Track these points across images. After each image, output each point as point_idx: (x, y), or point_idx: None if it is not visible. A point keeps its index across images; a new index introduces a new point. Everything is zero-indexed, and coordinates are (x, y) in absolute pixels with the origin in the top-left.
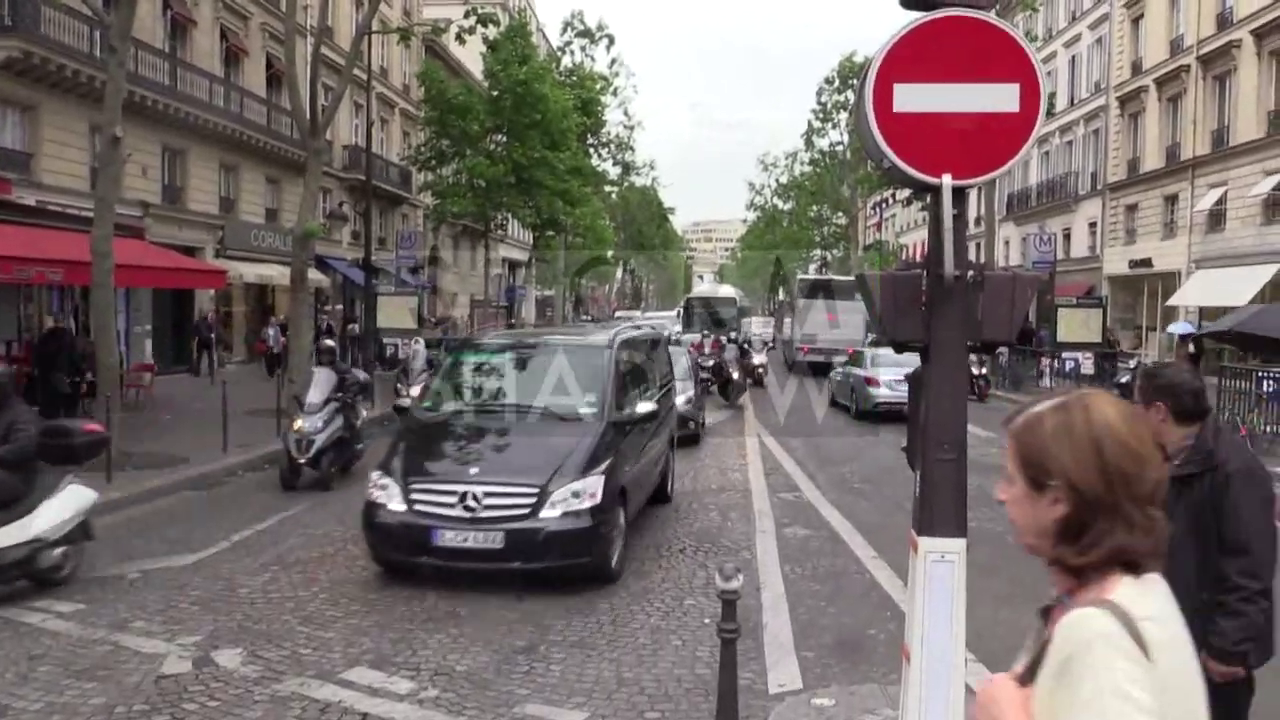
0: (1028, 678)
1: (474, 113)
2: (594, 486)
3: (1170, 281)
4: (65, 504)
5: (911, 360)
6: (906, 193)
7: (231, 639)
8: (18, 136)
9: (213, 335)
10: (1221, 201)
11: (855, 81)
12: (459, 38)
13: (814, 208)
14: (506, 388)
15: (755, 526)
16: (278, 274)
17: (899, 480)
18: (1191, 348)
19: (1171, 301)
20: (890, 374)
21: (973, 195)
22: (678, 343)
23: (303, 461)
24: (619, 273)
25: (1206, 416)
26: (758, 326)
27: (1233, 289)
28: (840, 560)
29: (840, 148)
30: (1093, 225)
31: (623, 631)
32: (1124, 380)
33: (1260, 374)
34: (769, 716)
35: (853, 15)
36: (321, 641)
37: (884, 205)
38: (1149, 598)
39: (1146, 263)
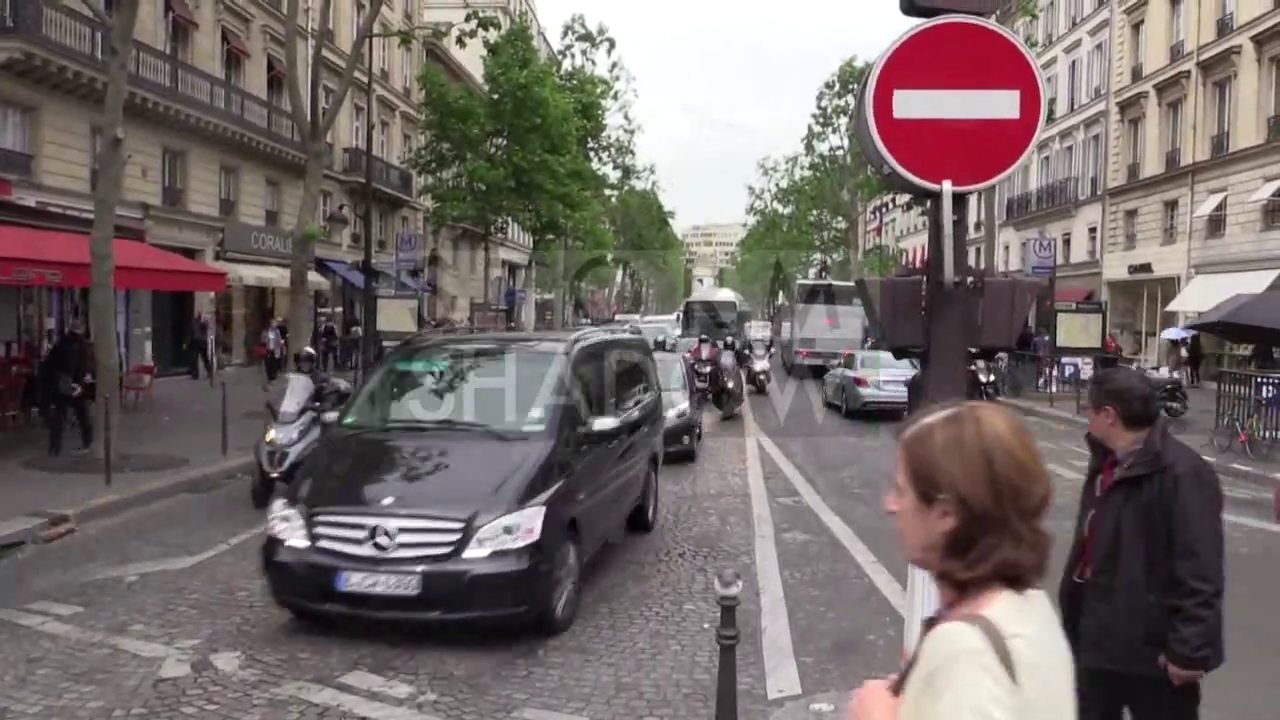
0: (900, 687)
1: (474, 116)
2: (531, 520)
3: (1170, 287)
4: None
5: (895, 362)
6: (906, 198)
7: (230, 642)
8: (18, 138)
9: (207, 338)
10: (1221, 207)
11: (855, 86)
12: (460, 41)
13: (814, 212)
14: (443, 400)
15: (754, 531)
16: (278, 276)
17: None
18: (1184, 352)
19: (1171, 307)
20: (877, 375)
21: (972, 200)
22: (673, 349)
23: (275, 475)
24: (619, 276)
25: (1155, 421)
26: (756, 330)
27: (1233, 295)
28: (839, 565)
29: (840, 152)
30: (1092, 230)
31: (621, 636)
32: None
33: (1259, 379)
34: None
35: (853, 16)
36: (320, 645)
37: (884, 210)
38: (1026, 615)
39: (1146, 268)
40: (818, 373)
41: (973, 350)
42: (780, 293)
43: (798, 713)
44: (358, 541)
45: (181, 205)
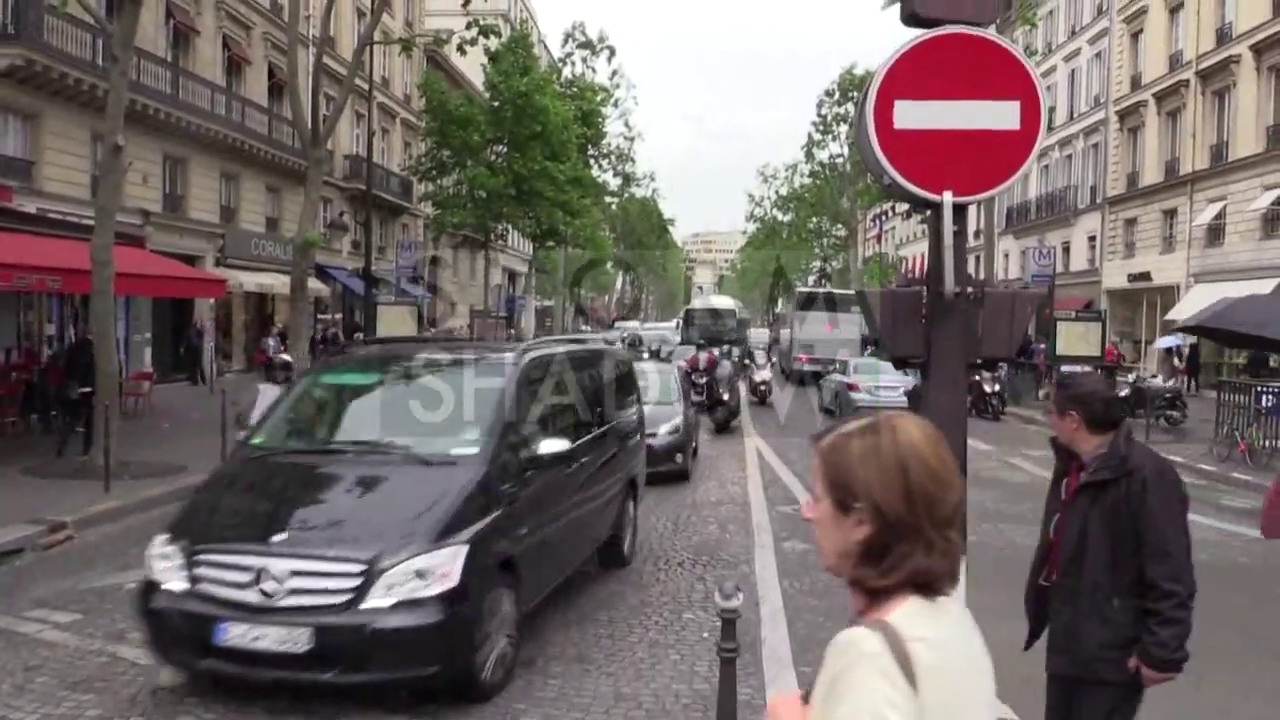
0: (808, 696)
1: (475, 123)
2: (450, 561)
3: (1169, 295)
4: None
5: (887, 367)
6: (906, 206)
7: None
8: (19, 144)
9: (203, 343)
10: (1220, 216)
11: (855, 94)
12: (460, 49)
13: (813, 220)
14: (366, 419)
15: (754, 540)
16: (278, 283)
17: None
18: (1178, 360)
19: (1170, 315)
20: (868, 381)
21: (972, 208)
22: (668, 358)
23: None
24: (618, 282)
25: (1120, 424)
26: (754, 338)
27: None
28: None
29: (840, 160)
30: (1092, 239)
31: (621, 645)
32: (1123, 395)
33: (1259, 389)
34: None
35: (854, 22)
36: None
37: (883, 218)
38: (932, 620)
39: (1145, 276)
40: (817, 378)
41: (972, 362)
42: (780, 300)
43: None
44: (241, 586)
45: (182, 212)
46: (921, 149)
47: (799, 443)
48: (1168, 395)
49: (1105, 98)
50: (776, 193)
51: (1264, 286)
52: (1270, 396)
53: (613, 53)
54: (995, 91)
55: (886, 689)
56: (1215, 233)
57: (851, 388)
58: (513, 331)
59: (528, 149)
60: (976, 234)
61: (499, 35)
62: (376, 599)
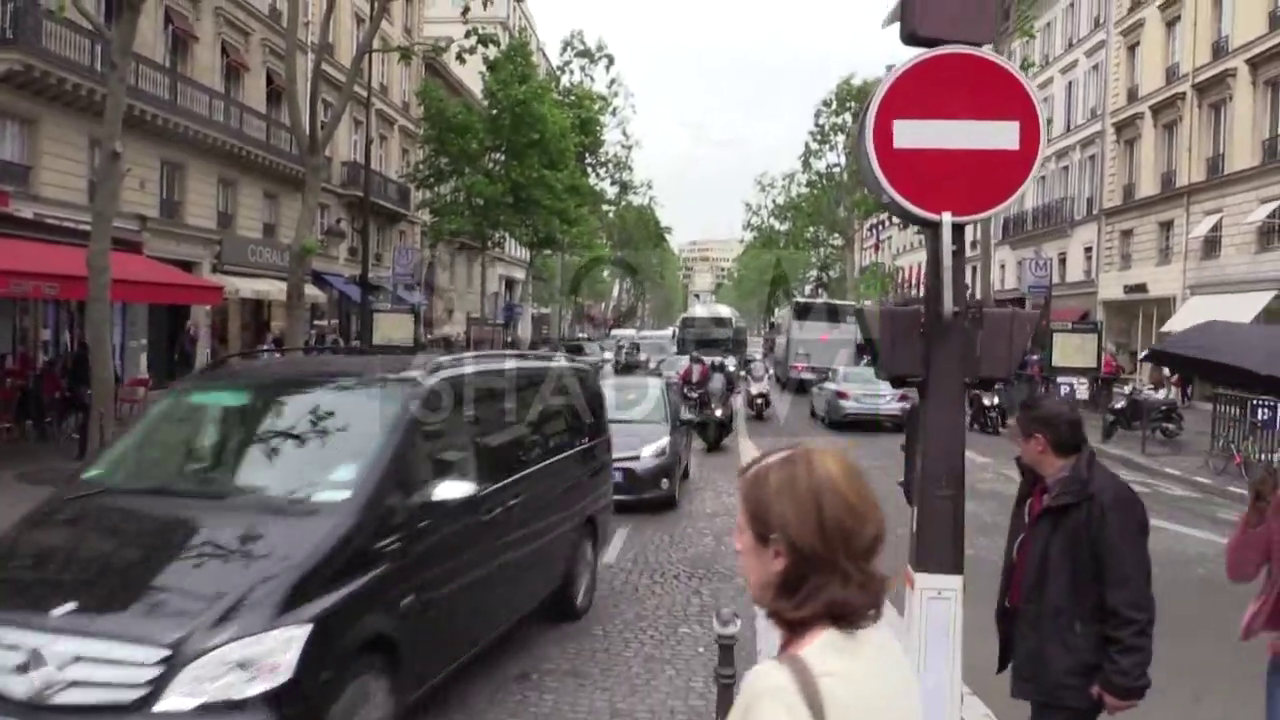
0: None
1: (473, 131)
2: (279, 649)
3: (1165, 307)
4: None
5: (874, 378)
6: None
7: None
8: (17, 149)
9: (196, 350)
10: (1217, 228)
11: (853, 105)
12: (459, 58)
13: (811, 229)
14: (222, 451)
15: None
16: (274, 289)
17: (896, 502)
18: (1167, 370)
19: (1166, 327)
20: (858, 389)
21: None
22: (657, 370)
23: None
24: (615, 290)
25: (1083, 448)
26: (750, 347)
27: (1228, 315)
28: None
29: (837, 170)
30: (1088, 250)
31: (616, 660)
32: (1119, 406)
33: (1254, 402)
34: None
35: (855, 32)
36: None
37: (880, 227)
38: (848, 654)
39: (1142, 288)
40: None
41: (969, 381)
42: (776, 309)
43: None
44: (10, 671)
45: (179, 218)
46: (920, 168)
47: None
48: (1163, 408)
49: (1102, 110)
50: (774, 202)
51: (1260, 299)
52: (1265, 409)
53: (611, 61)
54: (994, 111)
55: None
56: (1211, 245)
57: (842, 396)
58: (510, 340)
59: (526, 157)
60: (973, 245)
61: (498, 44)
62: (176, 698)
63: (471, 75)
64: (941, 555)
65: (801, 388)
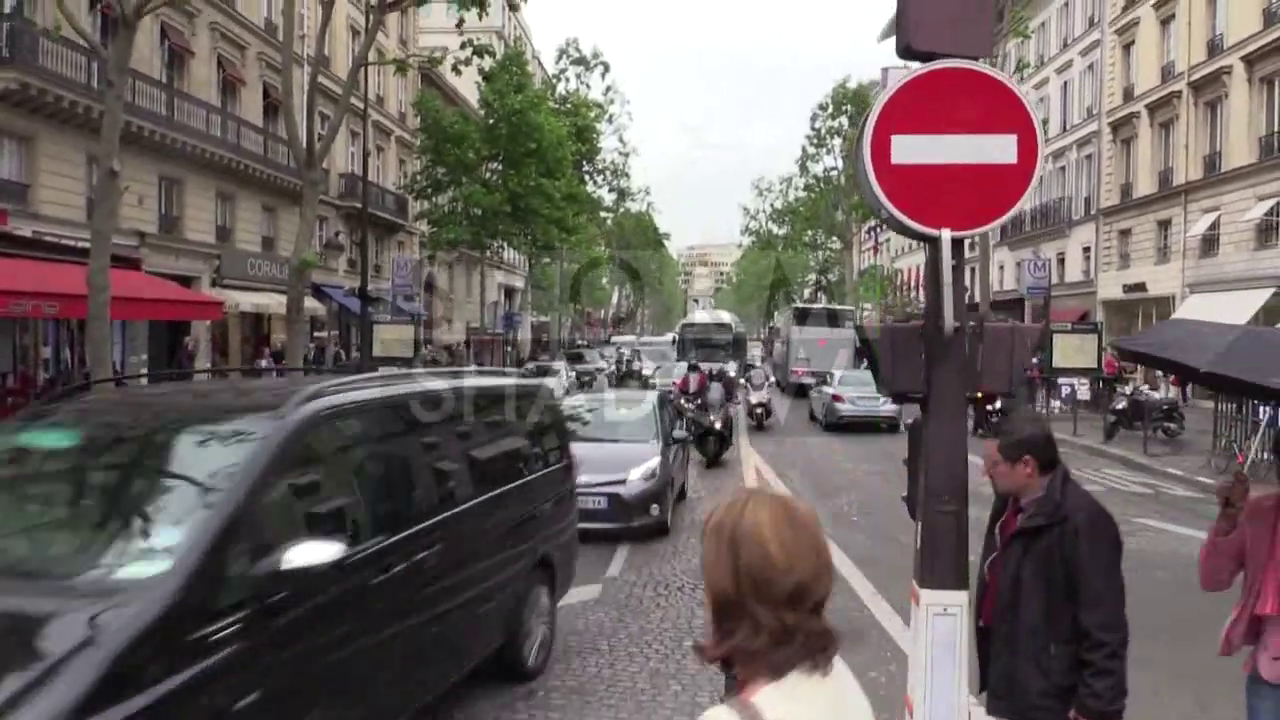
0: None
1: (470, 141)
2: None
3: (1165, 306)
4: None
5: (868, 381)
6: None
7: None
8: (14, 167)
9: (193, 366)
10: (1214, 226)
11: (848, 108)
12: (455, 69)
13: (809, 232)
14: (24, 513)
15: None
16: (274, 302)
17: (898, 509)
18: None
19: None
20: (852, 391)
21: None
22: (649, 380)
23: None
24: (614, 296)
25: (1058, 466)
26: (750, 351)
27: (1227, 313)
28: (839, 598)
29: (834, 172)
30: (1087, 250)
31: (621, 675)
32: (1120, 407)
33: (1258, 401)
34: None
35: (854, 35)
36: None
37: (879, 229)
38: (800, 700)
39: (1140, 287)
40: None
41: (972, 396)
42: (775, 314)
43: None
44: None
45: (178, 233)
46: (919, 183)
47: (798, 466)
48: (1164, 407)
49: (1098, 109)
50: (771, 206)
51: (1259, 297)
52: (1268, 409)
53: (606, 68)
54: (992, 125)
55: None
56: (1210, 243)
57: (837, 399)
58: (509, 348)
59: (523, 166)
60: (971, 246)
61: (493, 55)
62: None
63: (468, 85)
64: (945, 571)
65: (802, 391)
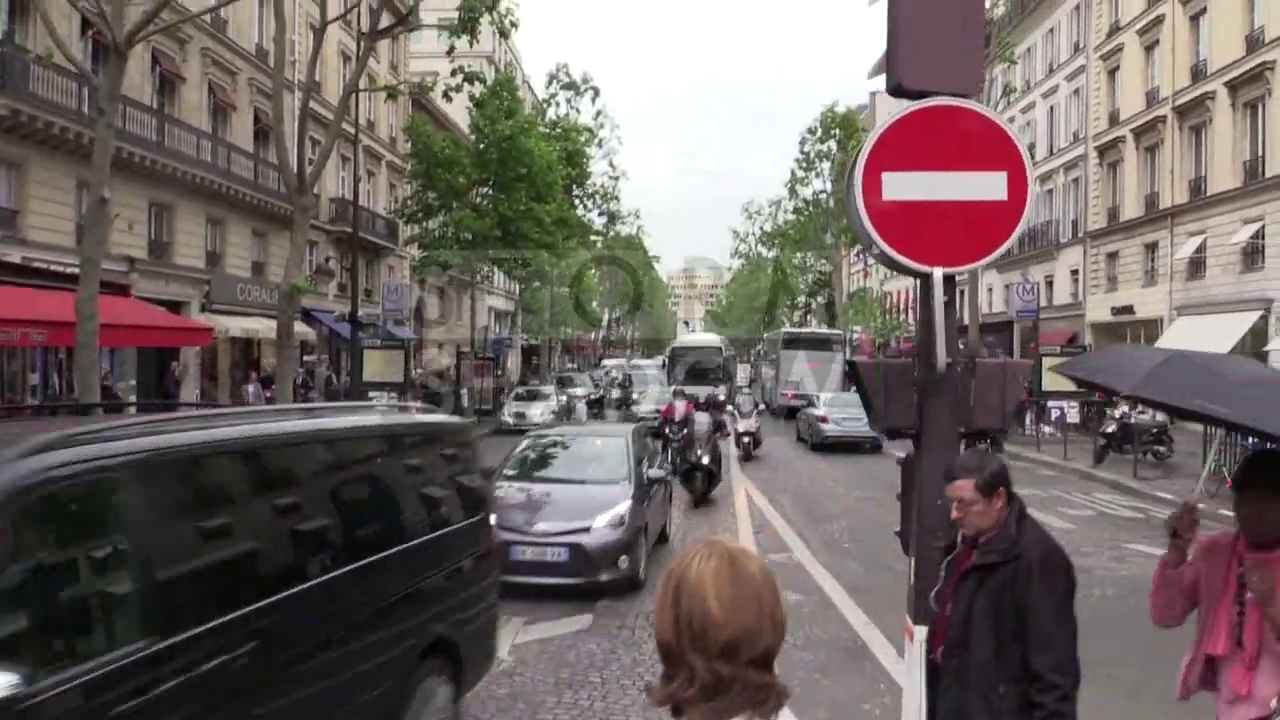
0: None
1: (460, 166)
2: None
3: (1153, 329)
4: None
5: (855, 400)
6: None
7: None
8: (4, 193)
9: (179, 393)
10: (1201, 249)
11: (837, 131)
12: (446, 95)
13: (798, 255)
14: None
15: None
16: (264, 327)
17: (889, 536)
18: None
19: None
20: (837, 413)
21: None
22: (631, 408)
23: None
24: (604, 319)
25: (1014, 501)
26: (739, 374)
27: (1214, 336)
28: (832, 627)
29: (823, 195)
30: (1075, 273)
31: (614, 709)
32: (1110, 430)
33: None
34: None
35: (846, 62)
36: None
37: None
38: None
39: (1128, 310)
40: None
41: (964, 432)
42: (765, 336)
43: None
44: None
45: (167, 258)
46: (910, 220)
47: (789, 492)
48: (1154, 430)
49: (1084, 133)
50: (761, 229)
51: (1246, 320)
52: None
53: (596, 93)
54: (982, 163)
55: None
56: (1196, 266)
57: (822, 420)
58: (499, 373)
59: (513, 191)
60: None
61: (484, 82)
62: None
63: (458, 110)
64: None
65: (792, 413)
